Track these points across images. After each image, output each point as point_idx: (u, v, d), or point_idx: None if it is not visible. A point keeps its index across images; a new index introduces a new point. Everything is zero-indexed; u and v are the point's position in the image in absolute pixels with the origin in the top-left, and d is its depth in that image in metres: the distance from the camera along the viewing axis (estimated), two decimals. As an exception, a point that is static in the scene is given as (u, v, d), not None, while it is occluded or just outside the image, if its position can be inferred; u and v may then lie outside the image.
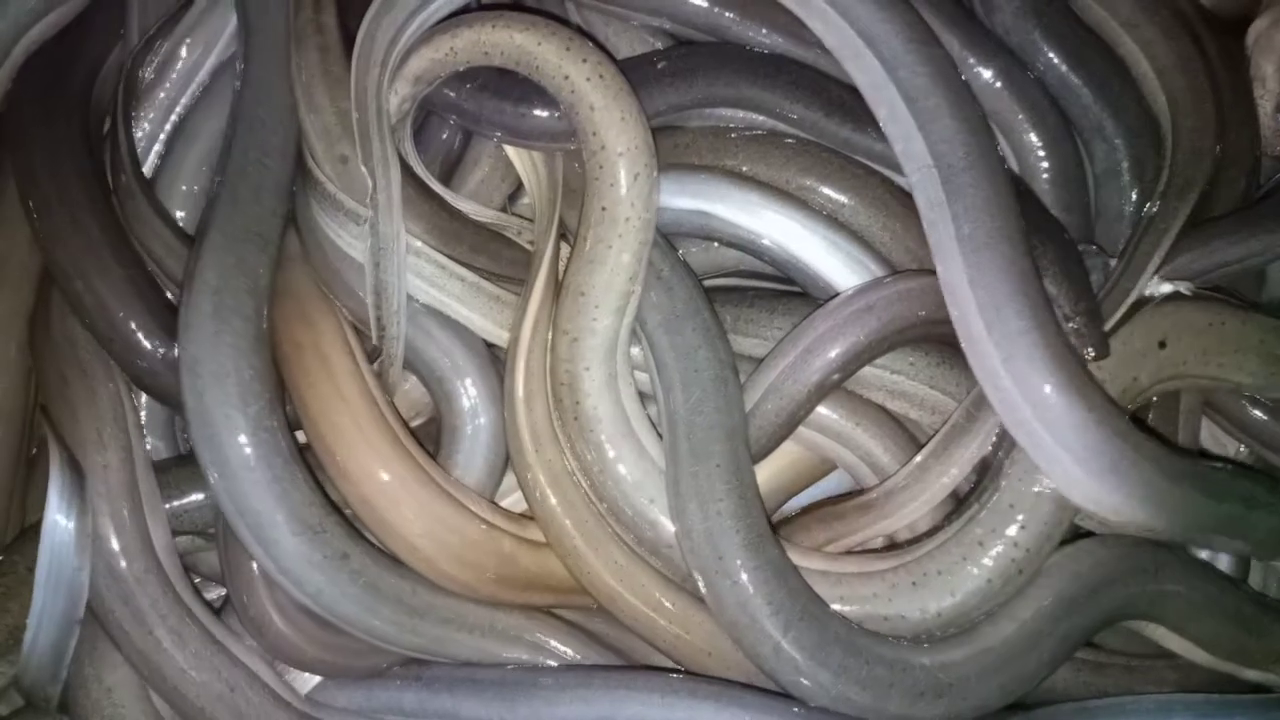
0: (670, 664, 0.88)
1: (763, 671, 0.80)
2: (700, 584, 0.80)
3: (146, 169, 0.97)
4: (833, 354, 0.85)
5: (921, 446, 0.88)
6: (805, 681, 0.79)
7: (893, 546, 0.90)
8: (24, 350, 0.94)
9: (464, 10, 0.89)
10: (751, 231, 0.90)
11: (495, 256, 0.90)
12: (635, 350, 0.88)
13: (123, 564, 0.84)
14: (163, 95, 0.98)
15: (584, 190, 0.85)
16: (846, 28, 0.86)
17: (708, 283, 0.92)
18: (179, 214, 0.95)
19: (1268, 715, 0.86)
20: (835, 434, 0.91)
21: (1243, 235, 0.94)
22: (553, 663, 0.90)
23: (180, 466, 0.92)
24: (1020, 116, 0.93)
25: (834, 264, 0.90)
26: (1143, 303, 0.89)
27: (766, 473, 0.89)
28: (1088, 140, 0.96)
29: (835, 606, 0.81)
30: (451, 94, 0.90)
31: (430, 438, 0.92)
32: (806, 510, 0.94)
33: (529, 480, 0.85)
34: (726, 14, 0.94)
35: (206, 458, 0.80)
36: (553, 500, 0.84)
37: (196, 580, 0.93)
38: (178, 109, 0.98)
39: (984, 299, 0.80)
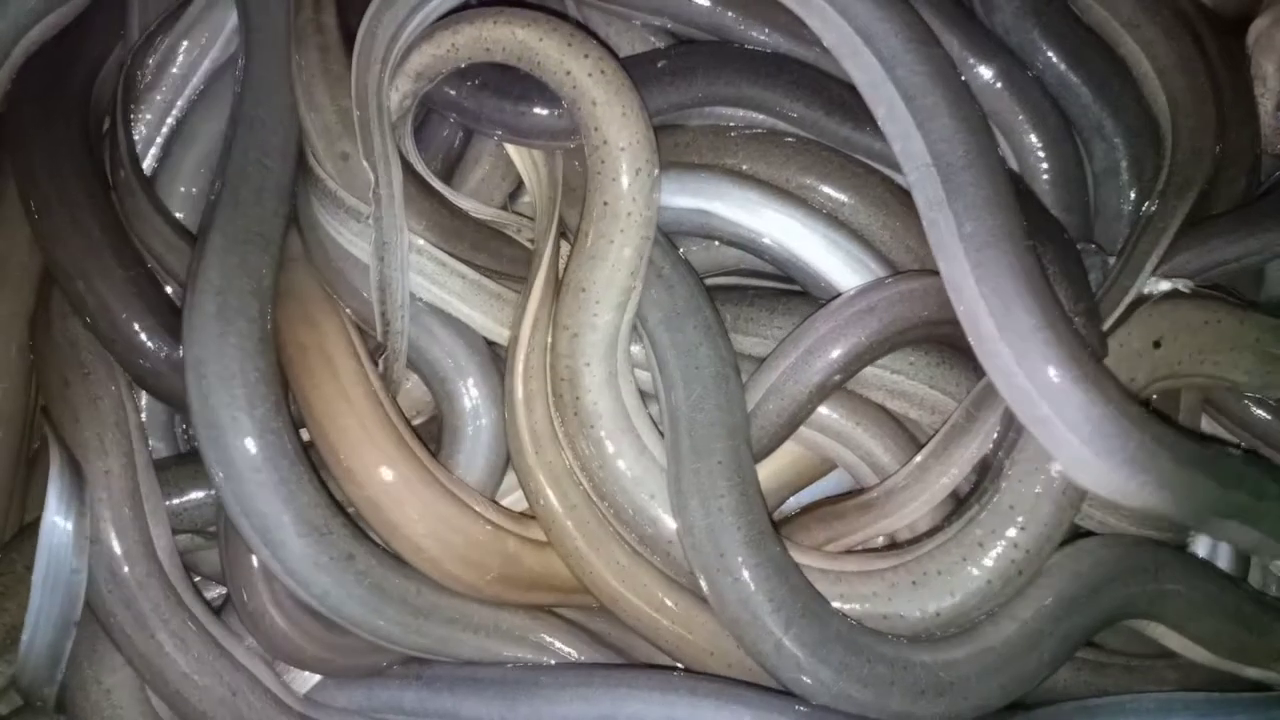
0: (671, 663, 0.89)
1: (764, 669, 0.81)
2: (702, 581, 0.81)
3: (145, 170, 0.98)
4: (834, 355, 0.86)
5: (922, 446, 0.89)
6: (806, 679, 0.79)
7: (894, 546, 0.91)
8: (24, 352, 0.95)
9: (464, 7, 0.90)
10: (752, 230, 0.91)
11: (496, 254, 0.91)
12: (636, 349, 0.89)
13: (125, 569, 0.85)
14: (160, 97, 0.99)
15: (585, 186, 0.86)
16: (845, 25, 0.87)
17: (708, 281, 0.92)
18: (178, 215, 0.96)
19: (1268, 714, 0.87)
20: (835, 433, 0.92)
21: (1241, 234, 0.95)
22: (555, 662, 0.91)
23: (180, 465, 0.93)
24: (1021, 117, 0.95)
25: (834, 262, 0.91)
26: (1142, 301, 0.89)
27: (766, 471, 0.90)
28: (1087, 139, 0.98)
29: (835, 605, 0.82)
30: (451, 92, 0.91)
31: (431, 436, 0.93)
32: (807, 509, 0.95)
33: (530, 482, 0.86)
34: (727, 13, 0.95)
35: (212, 459, 0.80)
36: (554, 502, 0.85)
37: (196, 579, 0.93)
38: (175, 110, 0.99)
39: (992, 298, 0.81)
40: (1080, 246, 0.92)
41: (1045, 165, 0.96)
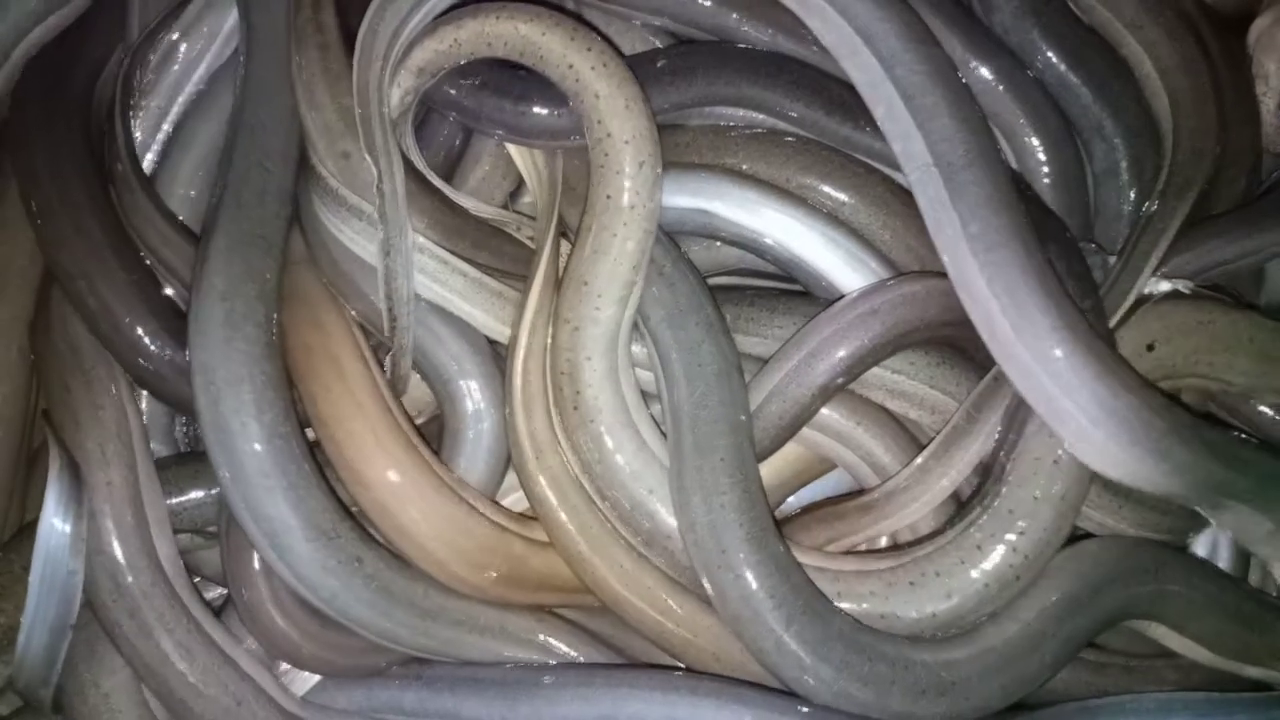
0: (672, 662, 0.89)
1: (764, 667, 0.82)
2: (703, 578, 0.82)
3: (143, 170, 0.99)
4: (837, 358, 0.87)
5: (923, 447, 0.90)
6: (807, 677, 0.80)
7: (895, 548, 0.92)
8: (25, 355, 0.96)
9: (466, 3, 0.91)
10: (752, 230, 0.92)
11: (498, 252, 0.92)
12: (637, 348, 0.90)
13: (129, 578, 0.86)
14: (158, 100, 1.00)
15: (588, 180, 0.87)
16: (844, 25, 0.87)
17: (709, 281, 0.93)
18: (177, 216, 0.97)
19: (1268, 713, 0.87)
20: (836, 433, 0.93)
21: (1240, 233, 0.96)
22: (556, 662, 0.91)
23: (180, 465, 0.94)
24: (1022, 120, 0.96)
25: (834, 261, 0.92)
26: (1143, 301, 0.91)
27: (766, 470, 0.90)
28: (1087, 140, 0.99)
29: (832, 603, 0.82)
30: (452, 91, 0.92)
31: (431, 435, 0.94)
32: (807, 510, 0.96)
33: (532, 487, 0.87)
34: (728, 14, 0.96)
35: (221, 464, 0.81)
36: (556, 507, 0.86)
37: (196, 580, 0.94)
38: (173, 112, 1.00)
39: (1006, 301, 0.81)
40: (1080, 246, 0.93)
41: (1046, 168, 0.97)
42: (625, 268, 0.85)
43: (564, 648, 0.91)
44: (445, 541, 0.86)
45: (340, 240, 0.89)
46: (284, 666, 0.93)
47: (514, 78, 0.91)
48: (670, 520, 0.84)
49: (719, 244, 0.97)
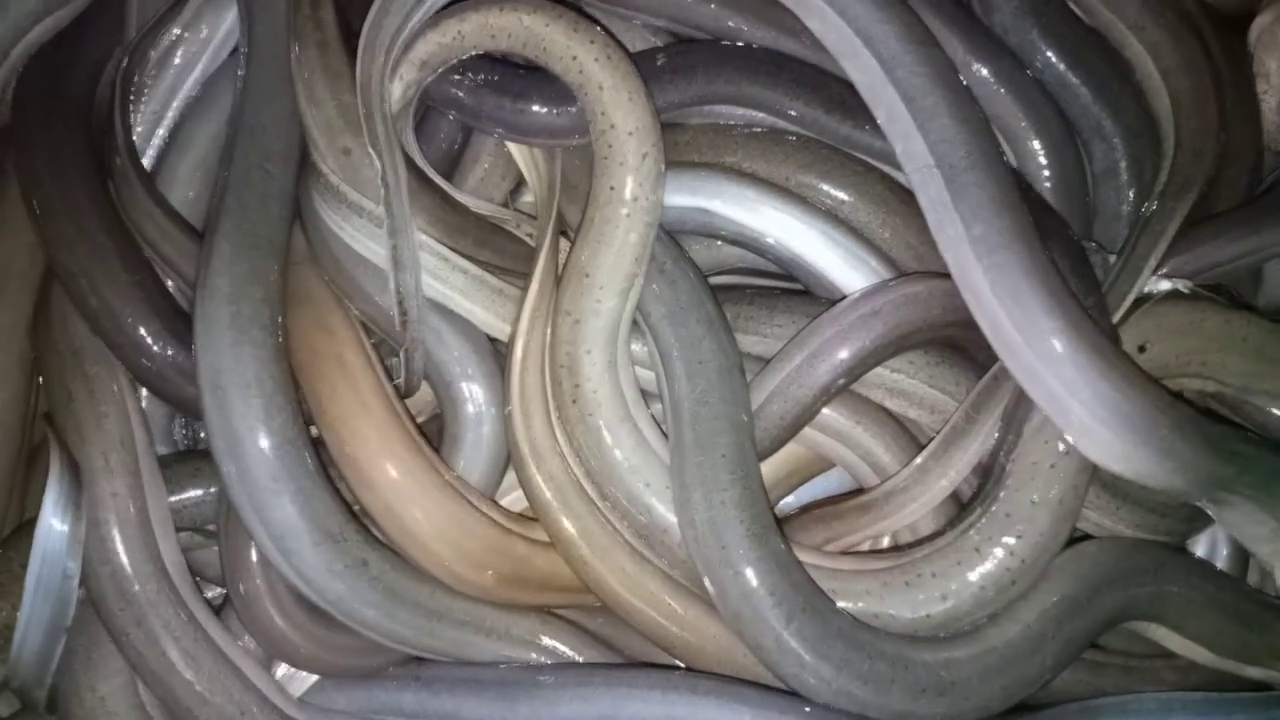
0: (672, 662, 0.91)
1: (764, 664, 0.83)
2: (703, 575, 0.83)
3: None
4: (838, 359, 0.88)
5: (922, 448, 0.92)
6: (806, 675, 0.81)
7: (896, 548, 0.93)
8: (24, 358, 0.97)
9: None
10: (752, 228, 0.94)
11: (499, 250, 0.93)
12: (637, 347, 0.91)
13: (135, 587, 0.87)
14: (154, 104, 1.01)
15: (588, 176, 0.88)
16: (845, 27, 0.89)
17: (709, 280, 0.94)
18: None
19: (1267, 713, 0.88)
20: (836, 433, 0.94)
21: (1240, 233, 0.98)
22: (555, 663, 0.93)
23: (179, 462, 0.95)
24: (1024, 123, 0.97)
25: (834, 259, 0.93)
26: (1143, 300, 0.92)
27: (764, 468, 0.91)
28: (1086, 140, 1.01)
29: (828, 601, 0.83)
30: (451, 89, 0.93)
31: (431, 434, 0.95)
32: (806, 509, 0.97)
33: (533, 493, 0.88)
34: (728, 15, 0.97)
35: (229, 469, 0.82)
36: (559, 513, 0.87)
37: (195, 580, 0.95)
38: (170, 114, 1.02)
39: (1011, 306, 0.82)
40: (1082, 245, 0.94)
41: (1047, 171, 0.98)
42: (628, 260, 0.86)
43: (568, 650, 0.93)
44: (449, 543, 0.87)
45: (341, 238, 0.90)
46: (283, 667, 0.94)
47: (514, 76, 0.93)
48: (667, 515, 0.85)
49: (719, 243, 0.98)
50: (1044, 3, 1.00)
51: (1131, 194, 1.00)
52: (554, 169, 0.93)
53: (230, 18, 1.00)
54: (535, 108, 0.91)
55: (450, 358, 0.92)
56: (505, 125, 0.93)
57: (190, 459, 0.96)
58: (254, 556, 0.89)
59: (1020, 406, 0.87)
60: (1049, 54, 0.99)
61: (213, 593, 0.97)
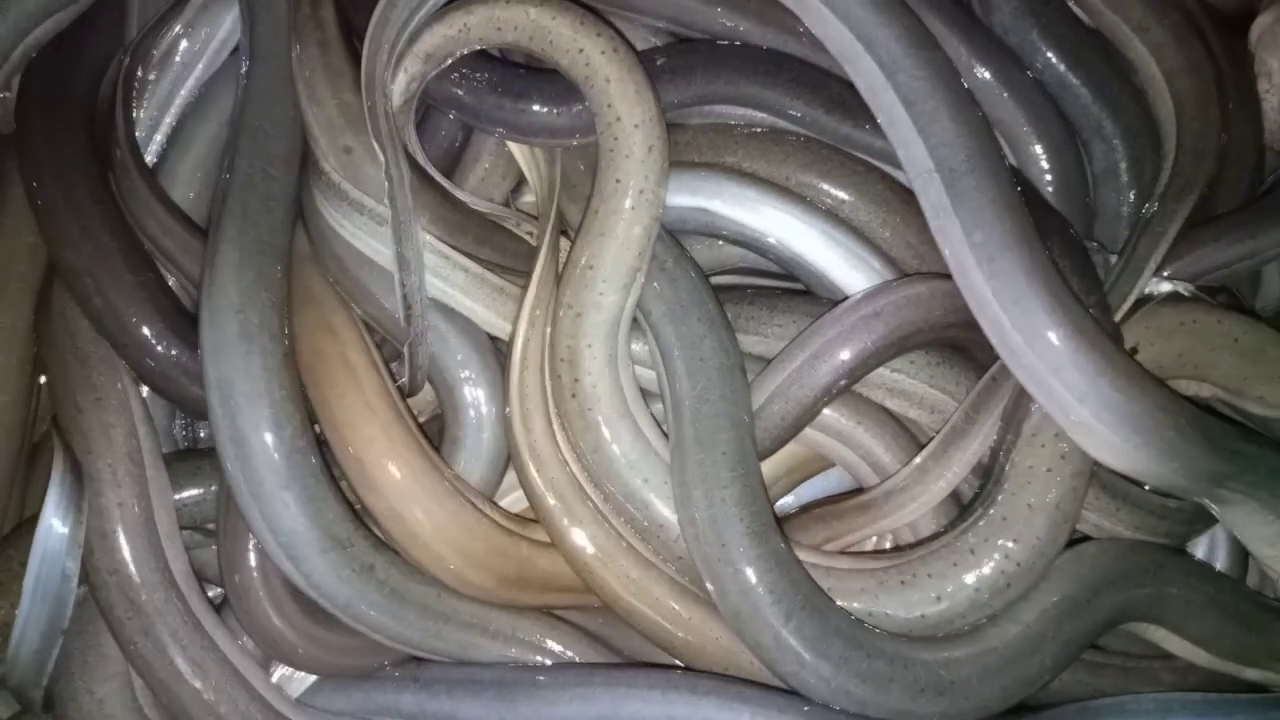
0: (672, 661, 0.92)
1: (763, 662, 0.84)
2: (703, 572, 0.84)
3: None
4: (840, 360, 0.89)
5: (922, 447, 0.93)
6: (805, 673, 0.82)
7: (896, 549, 0.95)
8: (25, 363, 0.98)
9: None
10: (752, 228, 0.95)
11: (500, 248, 0.94)
12: (637, 346, 0.93)
13: (143, 596, 0.89)
14: (154, 105, 1.03)
15: (589, 175, 0.90)
16: (846, 31, 0.90)
17: (710, 279, 0.95)
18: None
19: (1266, 714, 0.90)
20: (836, 433, 0.96)
21: (1241, 235, 0.99)
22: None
23: (179, 461, 0.96)
24: (1026, 128, 0.99)
25: (834, 259, 0.95)
26: (1144, 301, 0.94)
27: (763, 466, 0.92)
28: (1086, 140, 1.02)
29: (822, 599, 0.85)
30: (452, 88, 0.95)
31: (432, 433, 0.96)
32: (805, 509, 0.98)
33: (536, 500, 0.89)
34: (729, 17, 0.99)
35: (238, 478, 0.84)
36: (561, 518, 0.88)
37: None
38: (170, 114, 1.03)
39: (1015, 314, 0.83)
40: (1084, 244, 0.95)
41: (1049, 175, 1.00)
42: (631, 253, 0.87)
43: (574, 654, 0.94)
44: (455, 546, 0.88)
45: (343, 236, 0.91)
46: (281, 668, 0.96)
47: (514, 76, 0.94)
48: (664, 511, 0.86)
49: (720, 243, 1.00)
50: (1044, 3, 1.01)
51: (1132, 194, 1.01)
52: (554, 169, 0.94)
53: (231, 18, 1.01)
54: (535, 107, 0.93)
55: (451, 357, 0.93)
56: (505, 125, 0.94)
57: (190, 458, 0.97)
58: (251, 556, 0.91)
59: (1019, 407, 0.88)
60: (1049, 54, 1.00)
61: (213, 592, 0.98)
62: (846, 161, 0.97)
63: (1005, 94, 0.98)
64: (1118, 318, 0.92)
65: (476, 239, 0.93)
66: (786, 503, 1.02)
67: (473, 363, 0.93)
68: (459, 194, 0.95)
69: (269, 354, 0.85)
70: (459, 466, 0.93)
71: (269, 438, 0.83)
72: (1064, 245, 0.92)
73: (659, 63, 0.95)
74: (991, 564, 0.86)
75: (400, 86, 0.92)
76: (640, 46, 1.01)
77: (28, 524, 0.91)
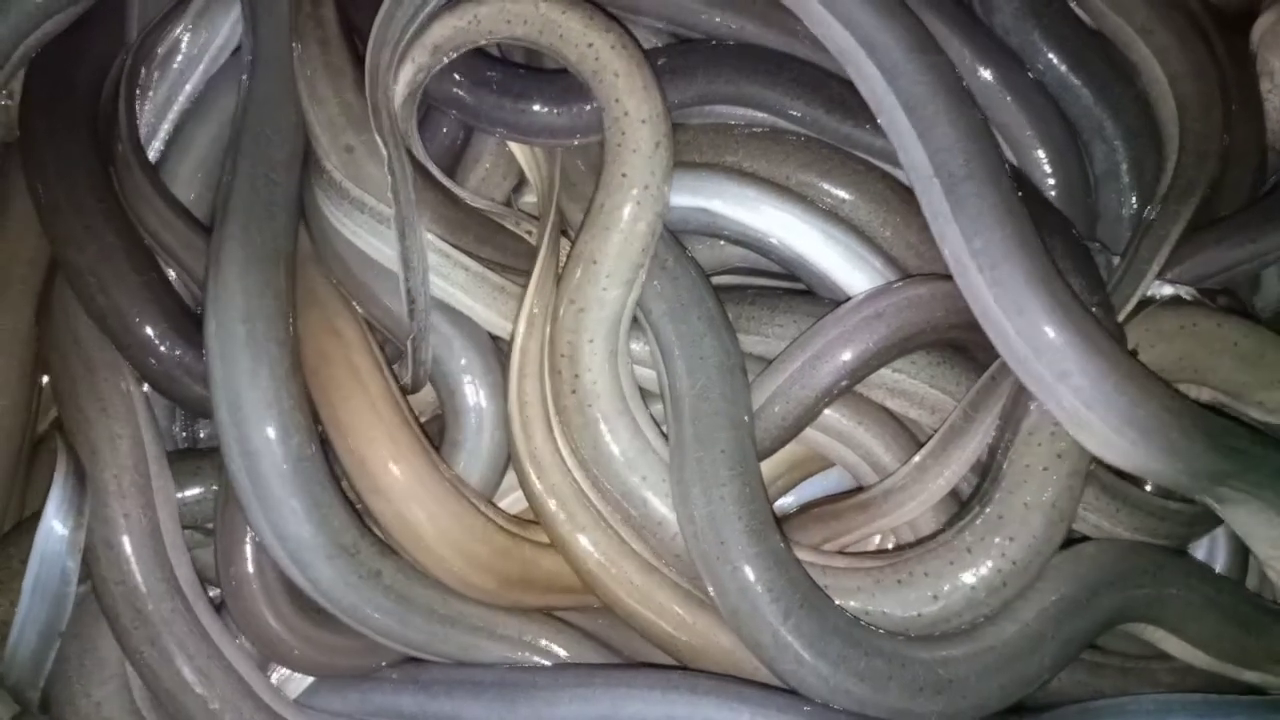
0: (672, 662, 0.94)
1: (761, 661, 0.85)
2: (701, 570, 0.85)
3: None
4: (841, 361, 0.91)
5: (921, 447, 0.94)
6: (803, 671, 0.83)
7: (899, 548, 0.96)
8: (25, 366, 1.00)
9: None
10: (753, 228, 0.97)
11: (501, 247, 0.96)
12: (638, 346, 0.94)
13: (149, 606, 0.90)
14: (155, 107, 1.04)
15: (592, 172, 0.91)
16: (848, 36, 0.92)
17: (712, 279, 0.96)
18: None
19: (1265, 716, 0.91)
20: (837, 433, 0.97)
21: (1242, 238, 1.00)
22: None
23: (180, 461, 0.97)
24: (1029, 132, 1.00)
25: (834, 258, 0.96)
26: (1145, 304, 0.95)
27: (762, 466, 0.93)
28: (1087, 141, 1.03)
29: (819, 597, 0.86)
30: (452, 89, 0.96)
31: (432, 433, 0.97)
32: (804, 508, 1.00)
33: (538, 508, 0.91)
34: (732, 20, 1.00)
35: (246, 486, 0.86)
36: (564, 525, 0.90)
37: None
38: (172, 115, 1.04)
39: (1019, 322, 0.85)
40: (1086, 245, 0.97)
41: (1052, 180, 1.01)
42: (635, 249, 0.89)
43: (579, 658, 0.96)
44: (458, 548, 0.90)
45: (343, 234, 0.93)
46: (279, 670, 0.97)
47: (514, 76, 0.96)
48: (661, 509, 0.88)
49: (722, 242, 1.01)
50: (1045, 4, 1.02)
51: (1133, 195, 1.02)
52: (554, 168, 0.96)
53: (232, 19, 1.03)
54: (536, 107, 0.94)
55: (453, 358, 0.95)
56: (506, 125, 0.96)
57: (190, 457, 0.99)
58: (248, 557, 0.92)
59: (1017, 406, 0.90)
60: (1050, 55, 1.02)
61: (213, 592, 0.99)
62: (847, 161, 0.98)
63: (1008, 97, 0.99)
64: (1120, 318, 0.93)
65: (478, 238, 0.95)
66: (787, 502, 1.03)
67: (475, 366, 0.95)
68: (459, 192, 0.97)
69: (276, 363, 0.86)
70: (459, 468, 0.95)
71: (277, 447, 0.85)
72: (1066, 245, 0.94)
73: (660, 62, 0.96)
74: (988, 562, 0.87)
75: (406, 77, 0.93)
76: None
77: (27, 522, 0.93)
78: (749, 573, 0.83)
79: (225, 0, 1.02)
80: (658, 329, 0.91)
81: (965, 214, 0.86)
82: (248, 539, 0.92)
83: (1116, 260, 0.98)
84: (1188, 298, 0.96)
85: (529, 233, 0.98)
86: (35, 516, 0.90)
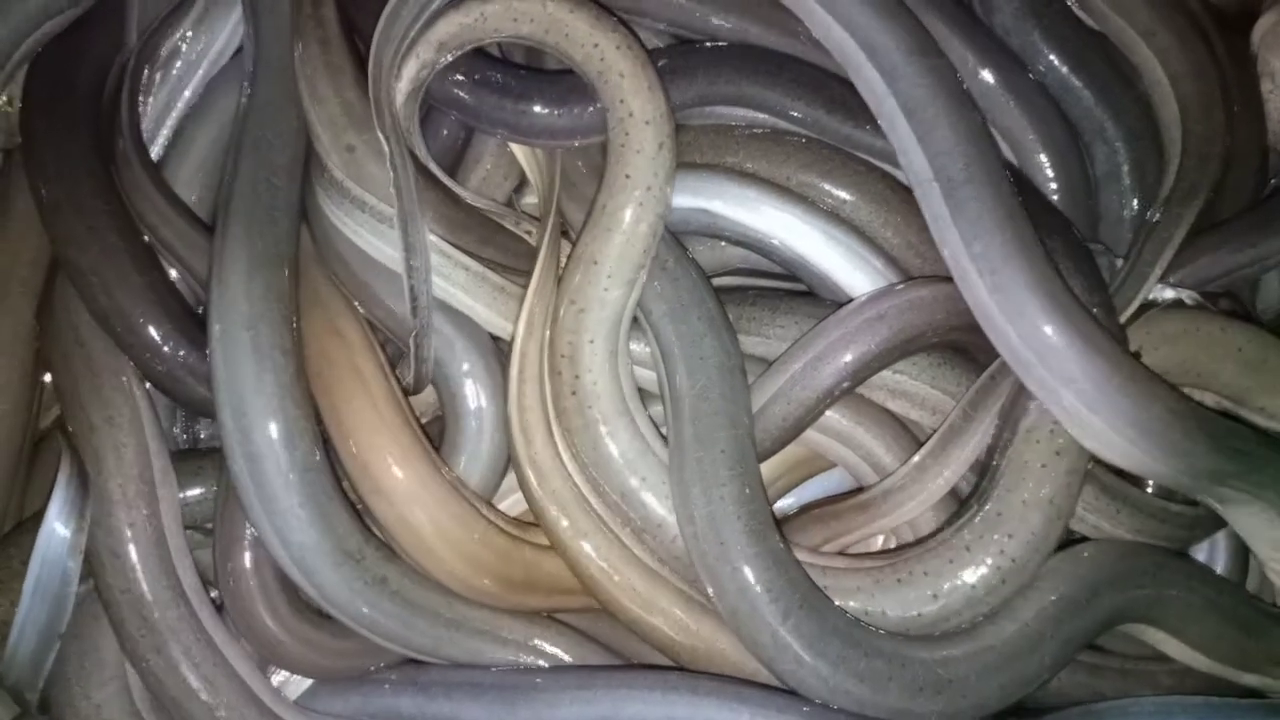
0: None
1: (761, 662, 0.87)
2: (701, 570, 0.86)
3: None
4: (843, 362, 0.92)
5: (921, 446, 0.96)
6: (803, 672, 0.84)
7: (901, 548, 0.97)
8: (27, 370, 1.01)
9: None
10: (754, 228, 0.98)
11: (503, 248, 0.97)
12: (637, 347, 0.96)
13: (155, 614, 0.92)
14: (156, 109, 1.05)
15: (605, 160, 0.93)
16: (848, 39, 0.93)
17: (713, 280, 0.98)
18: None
19: (1266, 719, 0.92)
20: (837, 433, 0.99)
21: (1243, 242, 1.02)
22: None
23: (181, 460, 0.98)
24: (1031, 136, 1.02)
25: (835, 258, 0.98)
26: (1147, 307, 0.97)
27: (762, 467, 0.95)
28: (1089, 143, 1.05)
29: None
30: (453, 89, 0.98)
31: (432, 434, 0.99)
32: (805, 510, 1.01)
33: (540, 514, 0.92)
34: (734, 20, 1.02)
35: (251, 494, 0.87)
36: (566, 532, 0.91)
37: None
38: (173, 117, 1.06)
39: (1023, 329, 0.86)
40: (1089, 247, 0.98)
41: (1054, 184, 1.03)
42: (637, 249, 0.90)
43: (584, 661, 0.97)
44: (463, 552, 0.92)
45: (344, 233, 0.94)
46: (280, 673, 0.99)
47: (515, 77, 0.97)
48: (660, 510, 0.89)
49: (723, 243, 1.03)
50: (1045, 5, 1.04)
51: (1134, 197, 1.04)
52: (555, 169, 0.97)
53: (233, 20, 1.04)
54: (537, 109, 0.96)
55: (455, 361, 0.96)
56: (507, 126, 0.97)
57: (191, 458, 1.00)
58: (246, 560, 0.93)
59: (1016, 404, 0.91)
60: (1051, 56, 1.03)
61: (214, 593, 1.00)
62: (848, 161, 1.00)
63: (1009, 99, 1.01)
64: (1122, 320, 0.95)
65: (480, 238, 0.96)
66: (788, 504, 1.05)
67: (478, 370, 0.96)
68: (460, 191, 0.98)
69: (281, 370, 0.87)
70: (459, 470, 0.96)
71: (283, 456, 0.86)
72: (1067, 246, 0.95)
73: (661, 63, 0.97)
74: (987, 560, 0.88)
75: (411, 73, 0.95)
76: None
77: (28, 522, 0.94)
78: (748, 573, 0.84)
79: (226, 2, 1.04)
80: (658, 329, 0.92)
81: (965, 218, 0.88)
82: (246, 541, 0.93)
83: (1120, 262, 0.99)
84: (1190, 302, 0.98)
85: (528, 233, 0.99)
86: (35, 517, 0.91)
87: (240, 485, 0.87)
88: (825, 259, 0.97)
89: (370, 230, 0.92)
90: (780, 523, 0.95)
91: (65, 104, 1.00)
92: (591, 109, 0.94)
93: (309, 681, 0.99)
